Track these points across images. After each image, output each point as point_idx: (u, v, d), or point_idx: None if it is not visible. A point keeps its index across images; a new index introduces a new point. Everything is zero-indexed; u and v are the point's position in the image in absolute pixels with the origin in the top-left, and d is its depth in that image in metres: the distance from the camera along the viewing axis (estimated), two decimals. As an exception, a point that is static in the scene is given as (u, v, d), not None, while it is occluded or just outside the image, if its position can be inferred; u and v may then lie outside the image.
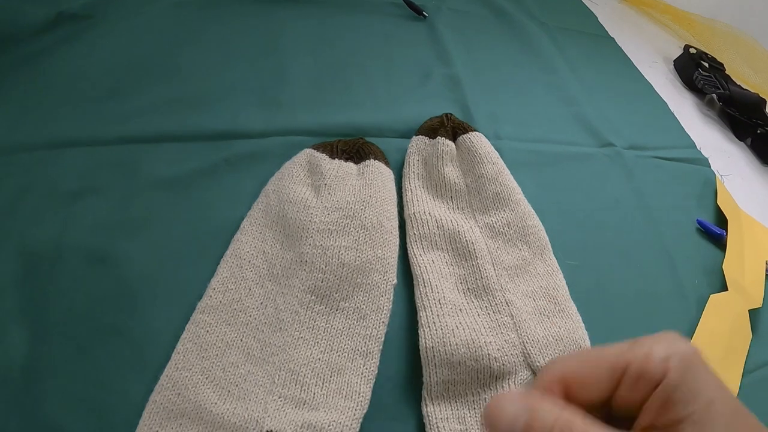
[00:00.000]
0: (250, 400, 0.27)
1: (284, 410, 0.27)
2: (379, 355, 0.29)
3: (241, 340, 0.29)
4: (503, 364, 0.29)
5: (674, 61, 0.67)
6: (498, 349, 0.30)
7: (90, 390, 0.27)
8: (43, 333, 0.28)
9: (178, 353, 0.28)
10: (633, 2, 0.76)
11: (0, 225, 0.32)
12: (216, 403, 0.27)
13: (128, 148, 0.37)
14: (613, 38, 0.65)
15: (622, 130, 0.51)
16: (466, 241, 0.33)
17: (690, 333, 0.38)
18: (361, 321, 0.30)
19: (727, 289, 0.42)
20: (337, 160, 0.36)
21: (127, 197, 0.34)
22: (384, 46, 0.50)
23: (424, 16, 0.54)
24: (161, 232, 0.33)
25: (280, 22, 0.50)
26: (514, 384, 0.29)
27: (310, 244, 0.32)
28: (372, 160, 0.36)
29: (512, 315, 0.31)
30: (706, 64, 0.64)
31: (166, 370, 0.27)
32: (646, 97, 0.58)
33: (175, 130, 0.38)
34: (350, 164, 0.36)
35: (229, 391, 0.27)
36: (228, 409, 0.27)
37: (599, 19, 0.68)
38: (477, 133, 0.39)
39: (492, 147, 0.38)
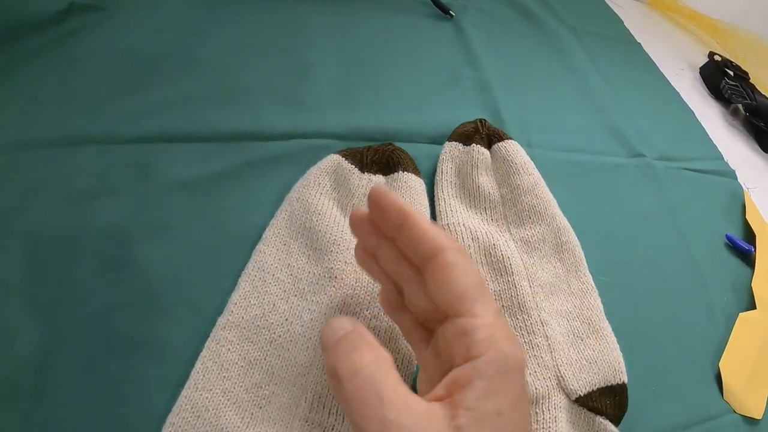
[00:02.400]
0: (275, 423, 0.26)
1: None
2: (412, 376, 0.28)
3: (265, 359, 0.27)
4: (536, 388, 0.28)
5: (700, 68, 0.65)
6: (530, 373, 0.29)
7: (104, 406, 0.26)
8: (54, 343, 0.27)
9: (198, 372, 0.26)
10: (658, 7, 0.75)
11: (8, 225, 0.30)
12: (238, 427, 0.25)
13: (144, 148, 0.35)
14: (640, 44, 0.64)
15: (652, 140, 0.50)
16: (502, 255, 0.32)
17: (719, 351, 0.37)
18: (393, 342, 0.29)
19: (755, 307, 0.41)
20: (366, 175, 0.34)
21: (144, 199, 0.33)
22: (411, 46, 0.49)
23: (451, 16, 0.53)
24: (180, 237, 0.32)
25: (304, 18, 0.48)
26: (548, 409, 0.28)
27: (340, 260, 0.30)
28: (401, 172, 0.34)
29: (547, 336, 0.30)
30: (732, 73, 0.63)
31: (184, 390, 0.26)
32: (674, 105, 0.57)
33: (193, 129, 0.37)
34: (379, 177, 0.34)
35: (252, 414, 0.26)
36: None
37: (625, 24, 0.66)
38: (513, 141, 0.38)
39: (528, 157, 0.37)
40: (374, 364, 0.19)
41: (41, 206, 0.31)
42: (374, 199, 0.22)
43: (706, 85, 0.64)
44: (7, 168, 0.32)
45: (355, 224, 0.25)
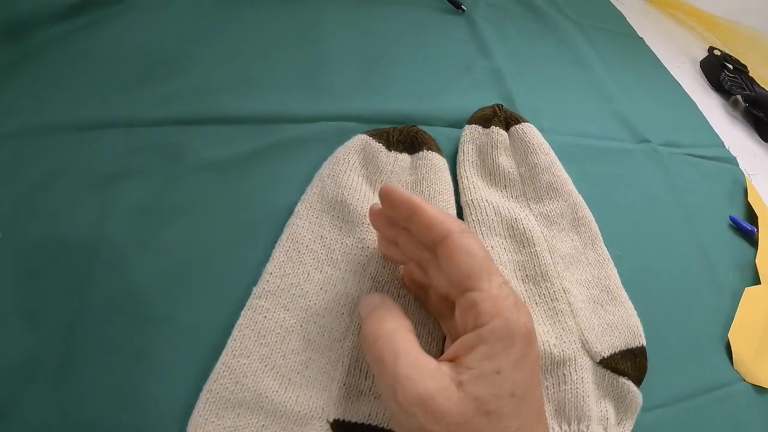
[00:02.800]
0: (313, 387, 0.26)
1: (350, 399, 0.26)
2: None
3: (301, 326, 0.28)
4: (562, 351, 0.30)
5: (701, 62, 0.68)
6: (557, 336, 0.31)
7: (133, 381, 0.26)
8: (79, 322, 0.27)
9: (235, 340, 0.27)
10: (659, 4, 0.77)
11: (32, 208, 0.31)
12: (277, 391, 0.26)
13: (168, 130, 0.36)
14: (642, 39, 0.66)
15: (657, 127, 0.52)
16: (524, 228, 0.34)
17: (727, 324, 0.39)
18: (421, 310, 0.30)
19: (760, 283, 0.43)
20: (393, 153, 0.35)
21: (170, 181, 0.33)
22: (425, 38, 0.51)
23: (463, 10, 0.55)
24: (208, 216, 0.32)
25: (319, 12, 0.49)
26: (575, 370, 0.30)
27: (371, 231, 0.31)
28: (425, 150, 0.36)
29: (569, 302, 0.32)
30: (731, 66, 0.66)
31: (222, 357, 0.26)
32: (676, 96, 0.59)
33: (217, 112, 0.38)
34: (405, 156, 0.36)
35: (290, 379, 0.26)
36: (290, 398, 0.26)
37: (627, 20, 0.69)
38: (529, 124, 0.39)
39: (543, 138, 0.39)
40: (394, 330, 0.22)
41: (66, 187, 0.32)
42: (384, 196, 0.25)
43: (706, 77, 0.66)
44: (30, 151, 0.33)
45: (374, 219, 0.28)
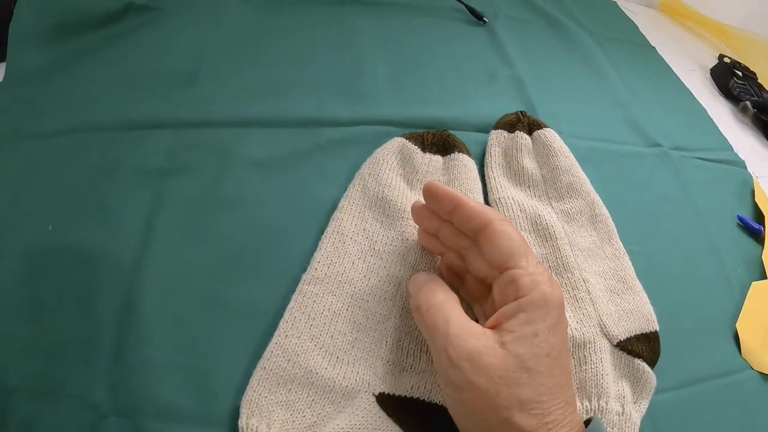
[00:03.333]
0: (359, 365, 0.29)
1: (393, 374, 0.29)
2: None
3: (347, 310, 0.30)
4: (583, 334, 0.33)
5: (711, 69, 0.70)
6: (578, 321, 0.34)
7: (187, 360, 0.28)
8: (132, 307, 0.29)
9: (287, 321, 0.29)
10: (670, 13, 0.80)
11: (84, 201, 0.33)
12: (326, 368, 0.28)
13: (215, 132, 0.38)
14: (654, 47, 0.69)
15: (667, 132, 0.54)
16: (546, 224, 0.37)
17: (736, 315, 0.42)
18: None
19: (767, 278, 0.46)
20: (428, 154, 0.39)
21: (220, 176, 0.36)
22: (450, 48, 0.54)
23: (485, 22, 0.58)
24: (256, 209, 0.35)
25: (350, 20, 0.52)
26: (594, 351, 0.33)
27: (410, 225, 0.34)
28: (457, 153, 0.39)
29: (589, 291, 0.35)
30: (740, 73, 0.68)
31: (275, 337, 0.28)
32: (687, 102, 0.62)
33: (261, 115, 0.40)
34: (438, 157, 0.39)
35: (338, 357, 0.29)
36: (339, 374, 0.28)
37: (640, 29, 0.72)
38: (550, 129, 0.43)
39: (563, 142, 0.42)
40: (444, 300, 0.26)
41: (118, 181, 0.34)
42: (429, 192, 0.29)
43: (716, 84, 0.69)
44: (82, 147, 0.35)
45: (417, 214, 0.31)
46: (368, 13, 0.54)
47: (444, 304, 0.26)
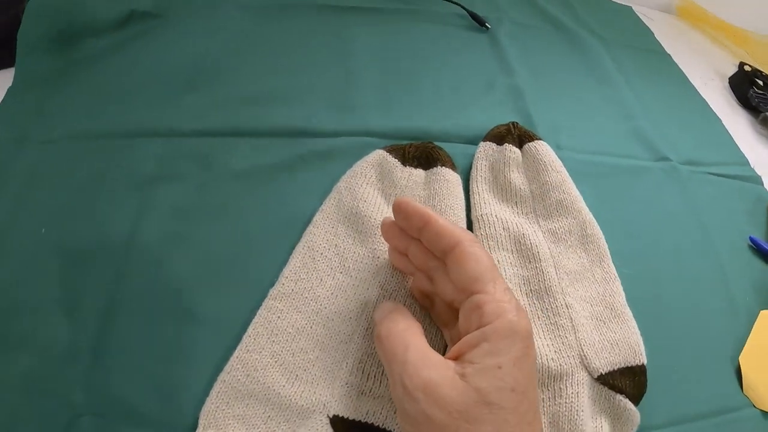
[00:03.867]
0: (318, 384, 0.28)
1: (351, 397, 0.28)
2: None
3: (311, 328, 0.30)
4: (560, 365, 0.31)
5: (729, 78, 0.67)
6: (556, 351, 0.32)
7: (158, 368, 0.29)
8: (114, 311, 0.30)
9: (249, 336, 0.29)
10: (689, 18, 0.76)
11: (75, 207, 0.34)
12: (284, 386, 0.28)
13: (204, 141, 0.39)
14: (669, 54, 0.65)
15: (678, 146, 0.52)
16: (531, 243, 0.35)
17: (740, 347, 0.39)
18: (426, 319, 0.31)
19: (776, 306, 0.43)
20: (408, 168, 0.37)
21: (204, 186, 0.37)
22: (448, 55, 0.52)
23: (487, 28, 0.56)
24: (236, 220, 0.36)
25: (347, 29, 0.52)
26: (571, 385, 0.31)
27: (383, 242, 0.32)
28: (439, 167, 0.38)
29: (571, 318, 0.33)
30: (761, 82, 0.64)
31: (236, 351, 0.29)
32: (702, 113, 0.59)
33: (249, 126, 0.41)
34: (419, 171, 0.38)
35: (297, 375, 0.28)
36: (296, 392, 0.28)
37: (655, 35, 0.68)
38: (542, 142, 0.41)
39: (556, 156, 0.40)
40: (405, 329, 0.25)
41: (107, 189, 0.35)
42: (398, 208, 0.27)
43: (734, 94, 0.65)
44: (76, 155, 0.37)
45: (386, 231, 0.30)
46: (369, 21, 0.54)
47: (405, 333, 0.25)
